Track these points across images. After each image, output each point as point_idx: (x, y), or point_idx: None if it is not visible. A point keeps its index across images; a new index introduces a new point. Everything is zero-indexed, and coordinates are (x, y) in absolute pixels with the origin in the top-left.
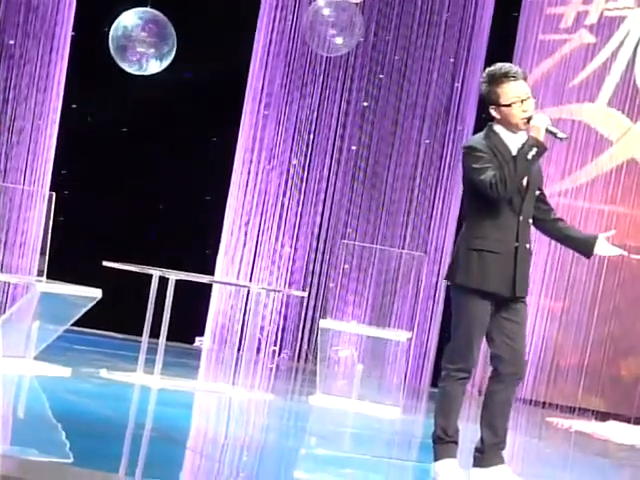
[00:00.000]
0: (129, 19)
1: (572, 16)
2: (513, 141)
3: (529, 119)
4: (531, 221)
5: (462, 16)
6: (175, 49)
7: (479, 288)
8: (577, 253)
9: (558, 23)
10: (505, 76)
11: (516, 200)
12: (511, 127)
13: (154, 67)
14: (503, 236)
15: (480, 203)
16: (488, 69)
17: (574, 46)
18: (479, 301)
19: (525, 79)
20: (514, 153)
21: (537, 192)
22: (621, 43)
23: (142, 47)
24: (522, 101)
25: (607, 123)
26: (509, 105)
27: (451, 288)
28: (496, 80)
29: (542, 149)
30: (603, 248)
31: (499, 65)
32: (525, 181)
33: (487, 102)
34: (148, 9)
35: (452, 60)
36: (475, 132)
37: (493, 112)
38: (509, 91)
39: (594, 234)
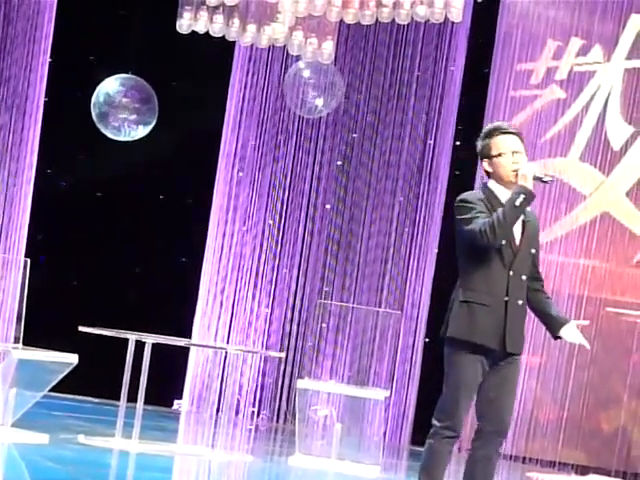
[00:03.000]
0: (111, 85)
1: (542, 72)
2: (506, 197)
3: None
4: (525, 278)
5: (433, 73)
6: (156, 116)
7: (467, 340)
8: (546, 330)
9: (528, 79)
10: (497, 129)
11: (507, 254)
12: (503, 181)
13: (139, 132)
14: (492, 289)
15: (471, 256)
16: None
17: (545, 101)
18: (468, 355)
19: (519, 136)
20: None
21: (533, 251)
22: (591, 97)
23: (125, 113)
24: (513, 153)
25: (580, 177)
26: (499, 155)
27: (444, 342)
28: (489, 134)
29: (530, 196)
30: (569, 333)
31: (494, 122)
32: (518, 237)
33: (481, 157)
34: (130, 75)
35: (424, 117)
36: (449, 188)
37: (486, 166)
38: (500, 143)
39: (566, 318)
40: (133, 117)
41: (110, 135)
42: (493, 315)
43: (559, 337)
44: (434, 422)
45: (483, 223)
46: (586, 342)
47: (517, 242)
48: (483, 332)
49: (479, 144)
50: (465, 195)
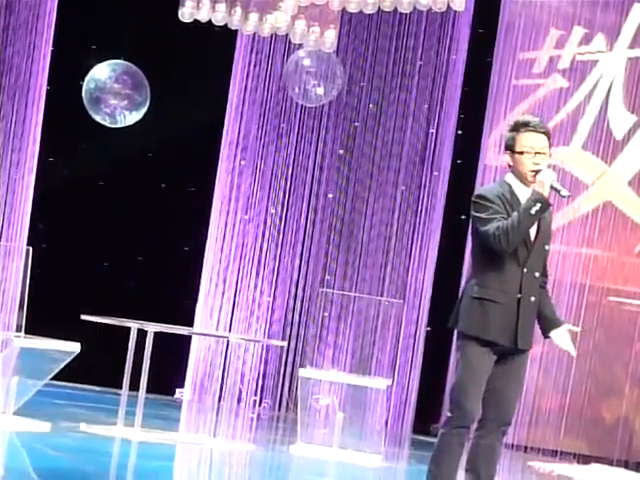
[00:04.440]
0: (102, 71)
1: (545, 61)
2: (524, 194)
3: (537, 173)
4: (538, 275)
5: (436, 62)
6: (149, 100)
7: (478, 336)
8: (539, 327)
9: (531, 68)
10: (525, 125)
11: (521, 252)
12: (522, 178)
13: (131, 118)
14: (505, 287)
15: (484, 252)
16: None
17: (547, 90)
18: (478, 348)
19: (547, 135)
20: None
21: (546, 247)
22: (594, 87)
23: (115, 99)
24: (535, 153)
25: (582, 166)
26: (521, 153)
27: (453, 331)
28: (517, 127)
29: (546, 205)
30: (559, 337)
31: (526, 115)
32: (533, 234)
33: (505, 148)
34: (120, 61)
35: (426, 106)
36: (450, 177)
37: (508, 158)
38: (524, 140)
39: (561, 320)
40: (124, 103)
41: (102, 121)
42: (505, 312)
43: (548, 337)
44: (446, 412)
45: (497, 227)
46: (573, 349)
47: (532, 239)
48: (495, 329)
49: (506, 134)
50: (483, 191)
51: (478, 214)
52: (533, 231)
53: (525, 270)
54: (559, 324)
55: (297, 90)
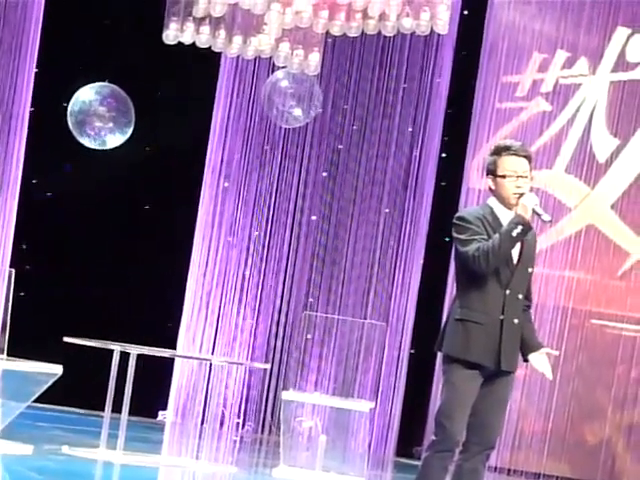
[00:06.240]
0: (87, 94)
1: (528, 84)
2: (507, 217)
3: (520, 196)
4: (521, 297)
5: (419, 85)
6: (133, 122)
7: (462, 358)
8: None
9: (514, 91)
10: (507, 149)
11: (504, 273)
12: (504, 201)
13: (115, 141)
14: (488, 308)
15: (466, 273)
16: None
17: (530, 114)
18: (463, 371)
19: (528, 159)
20: None
21: (530, 270)
22: (577, 110)
23: (100, 122)
24: (517, 177)
25: (565, 189)
26: (503, 176)
27: (441, 357)
28: (498, 151)
29: (527, 227)
30: (537, 360)
31: (507, 140)
32: (516, 256)
33: (486, 172)
34: (106, 84)
35: (410, 129)
36: (434, 200)
37: (490, 182)
38: (506, 164)
39: (540, 344)
40: (109, 125)
41: (86, 143)
42: (488, 334)
43: (527, 360)
44: (432, 436)
45: (477, 249)
46: (549, 372)
47: (515, 261)
48: (478, 350)
49: (487, 158)
50: (464, 213)
51: (458, 235)
52: (516, 253)
53: (508, 292)
54: (537, 348)
55: (275, 112)
